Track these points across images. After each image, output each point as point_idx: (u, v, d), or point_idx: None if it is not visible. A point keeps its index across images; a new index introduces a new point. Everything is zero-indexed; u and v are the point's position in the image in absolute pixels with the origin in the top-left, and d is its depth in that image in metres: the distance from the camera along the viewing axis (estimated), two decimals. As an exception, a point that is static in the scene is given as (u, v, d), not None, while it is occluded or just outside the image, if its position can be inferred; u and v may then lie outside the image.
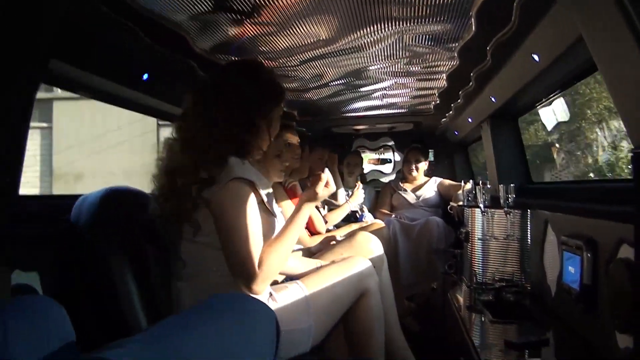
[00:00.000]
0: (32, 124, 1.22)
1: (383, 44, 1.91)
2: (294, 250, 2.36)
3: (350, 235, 2.35)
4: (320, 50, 1.98)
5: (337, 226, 3.48)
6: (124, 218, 1.59)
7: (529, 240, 2.24)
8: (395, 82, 2.61)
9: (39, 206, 1.76)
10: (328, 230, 3.24)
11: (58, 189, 10.26)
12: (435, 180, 4.07)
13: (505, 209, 2.23)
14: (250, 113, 1.57)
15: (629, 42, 0.89)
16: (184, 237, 1.52)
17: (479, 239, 2.36)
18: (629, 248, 1.24)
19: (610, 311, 1.33)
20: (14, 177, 1.22)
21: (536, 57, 1.78)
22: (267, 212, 1.61)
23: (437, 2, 1.51)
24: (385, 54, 2.05)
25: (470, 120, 3.26)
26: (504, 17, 1.57)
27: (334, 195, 3.80)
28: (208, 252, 1.51)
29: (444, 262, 2.93)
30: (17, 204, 1.30)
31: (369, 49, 1.98)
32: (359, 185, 3.64)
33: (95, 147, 10.28)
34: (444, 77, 2.44)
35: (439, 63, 2.20)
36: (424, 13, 1.60)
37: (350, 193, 3.76)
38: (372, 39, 1.85)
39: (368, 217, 3.64)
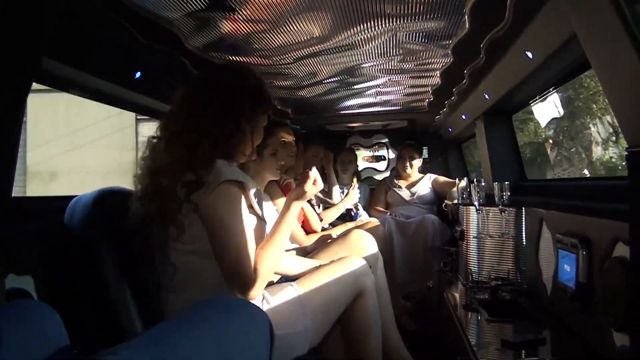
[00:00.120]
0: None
1: (376, 41, 1.90)
2: (288, 250, 2.36)
3: (345, 234, 2.34)
4: (313, 47, 1.96)
5: (333, 224, 3.48)
6: (118, 219, 1.56)
7: (524, 238, 2.23)
8: (389, 80, 2.60)
9: (32, 208, 1.74)
10: (324, 229, 3.23)
11: (32, 190, 9.56)
12: (429, 177, 4.07)
13: (500, 206, 2.22)
14: (236, 117, 1.54)
15: (622, 40, 0.88)
16: (170, 243, 1.48)
17: (474, 237, 2.36)
18: (624, 246, 1.24)
19: (606, 310, 1.33)
20: (6, 178, 1.21)
21: (530, 55, 1.77)
22: (255, 214, 1.59)
23: (430, -1, 1.50)
24: (379, 51, 2.04)
25: (464, 117, 3.25)
26: (497, 14, 1.56)
27: (328, 194, 3.80)
28: (197, 260, 1.47)
29: (440, 260, 2.93)
30: (9, 205, 1.28)
31: (363, 47, 1.97)
32: (355, 184, 3.63)
33: (71, 144, 9.79)
34: (438, 75, 2.43)
35: (432, 60, 2.19)
36: (417, 10, 1.59)
37: (344, 190, 3.75)
38: (365, 37, 1.84)
39: (363, 215, 3.64)
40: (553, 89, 2.28)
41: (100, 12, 1.46)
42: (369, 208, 4.02)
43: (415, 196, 3.98)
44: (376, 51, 2.04)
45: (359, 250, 2.16)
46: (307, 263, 1.97)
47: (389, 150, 4.91)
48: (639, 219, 1.03)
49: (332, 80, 2.54)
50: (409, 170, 4.05)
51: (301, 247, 2.53)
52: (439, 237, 3.42)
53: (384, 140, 4.90)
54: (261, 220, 1.62)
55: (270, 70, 2.26)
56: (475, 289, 2.22)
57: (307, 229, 3.04)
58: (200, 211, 1.43)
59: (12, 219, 1.37)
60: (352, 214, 3.64)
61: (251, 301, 1.46)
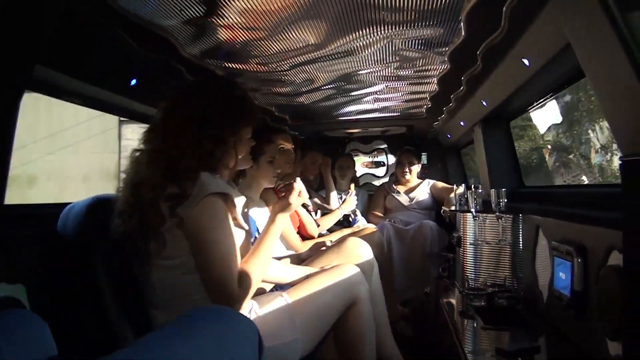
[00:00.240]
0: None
1: (373, 48, 1.90)
2: (283, 257, 2.35)
3: (340, 241, 2.33)
4: (310, 55, 1.96)
5: (330, 230, 3.47)
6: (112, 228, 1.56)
7: (521, 245, 2.23)
8: (387, 86, 2.59)
9: (24, 216, 1.73)
10: (320, 235, 3.23)
11: (10, 197, 8.61)
12: (428, 183, 4.08)
13: (497, 213, 2.22)
14: (219, 129, 1.53)
15: (616, 50, 0.88)
16: (151, 260, 1.45)
17: (470, 244, 2.36)
18: (619, 255, 1.23)
19: (600, 318, 1.32)
20: (-1, 186, 1.21)
21: (526, 62, 1.77)
22: (240, 227, 1.58)
23: (426, 7, 1.49)
24: (376, 58, 2.03)
25: (462, 123, 3.26)
26: (493, 22, 1.55)
27: (326, 199, 3.80)
28: (180, 276, 1.44)
29: (438, 266, 2.92)
30: (1, 214, 1.28)
31: (360, 54, 1.96)
32: (352, 191, 3.63)
33: (51, 146, 9.19)
34: (435, 81, 2.43)
35: (429, 67, 2.19)
36: (413, 17, 1.58)
37: (342, 196, 3.75)
38: (361, 44, 1.83)
39: (361, 221, 3.64)
40: (551, 96, 2.28)
41: (95, 20, 1.46)
42: (367, 213, 4.02)
43: (413, 202, 3.99)
44: (373, 58, 2.03)
45: (353, 257, 2.15)
46: (300, 271, 1.96)
47: (388, 156, 4.90)
48: (632, 227, 1.03)
49: (329, 86, 2.53)
50: (407, 176, 4.06)
51: (296, 254, 2.52)
52: (437, 243, 3.42)
53: (382, 146, 4.90)
54: (247, 232, 1.61)
55: (268, 77, 2.25)
56: (472, 296, 2.21)
57: (304, 235, 3.03)
58: (185, 225, 1.40)
59: (4, 227, 1.37)
60: (350, 219, 3.63)
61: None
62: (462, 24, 1.61)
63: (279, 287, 1.91)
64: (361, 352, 1.81)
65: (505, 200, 2.22)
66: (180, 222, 1.39)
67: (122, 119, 9.15)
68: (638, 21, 0.84)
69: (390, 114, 3.54)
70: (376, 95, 2.83)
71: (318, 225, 3.20)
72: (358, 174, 4.82)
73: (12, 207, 1.64)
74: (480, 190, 2.39)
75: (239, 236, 1.54)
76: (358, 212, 3.69)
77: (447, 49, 1.89)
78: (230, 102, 1.58)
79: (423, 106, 3.16)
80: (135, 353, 0.92)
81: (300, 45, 1.83)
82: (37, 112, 8.87)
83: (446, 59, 2.01)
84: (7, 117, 1.17)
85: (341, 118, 3.62)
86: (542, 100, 2.35)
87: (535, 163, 8.36)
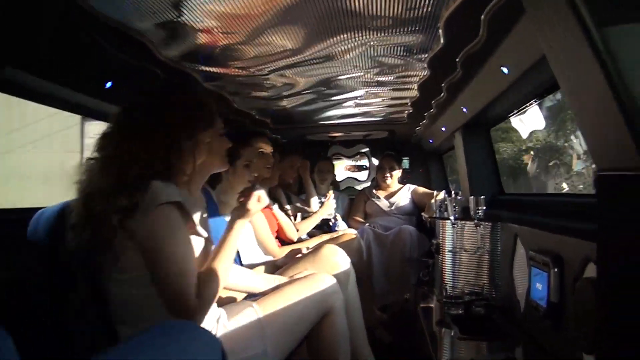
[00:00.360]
0: None
1: (352, 53, 1.88)
2: (258, 265, 2.32)
3: (316, 249, 2.31)
4: (289, 59, 1.94)
5: (310, 234, 3.45)
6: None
7: (499, 253, 2.22)
8: (367, 92, 2.58)
9: None
10: (300, 239, 3.20)
11: None
12: (409, 188, 4.08)
13: (476, 221, 2.21)
14: (173, 135, 1.45)
15: (590, 63, 0.86)
16: (108, 274, 1.39)
17: (449, 251, 2.34)
18: (595, 267, 1.22)
19: (576, 331, 1.31)
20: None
21: (505, 70, 1.76)
22: (198, 235, 1.50)
23: (404, 13, 1.49)
24: (355, 63, 2.02)
25: (443, 129, 3.26)
26: (472, 30, 1.55)
27: (306, 202, 3.78)
28: (138, 290, 1.37)
29: (418, 271, 2.91)
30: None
31: (339, 59, 1.95)
32: (331, 195, 3.60)
33: (7, 145, 8.69)
34: (416, 87, 2.43)
35: (409, 73, 2.18)
36: (391, 23, 1.57)
37: (322, 200, 3.74)
38: (341, 49, 1.82)
39: (341, 226, 3.62)
40: (531, 104, 2.28)
41: (69, 22, 1.42)
42: (347, 218, 4.01)
43: (394, 207, 3.98)
44: (352, 64, 2.02)
45: (329, 266, 2.12)
46: (273, 281, 1.93)
47: (371, 159, 4.90)
48: (606, 242, 1.02)
49: (310, 91, 2.51)
50: (388, 181, 4.05)
51: (271, 262, 2.49)
52: (416, 248, 3.41)
53: (365, 150, 4.90)
54: (206, 240, 1.54)
55: (247, 81, 2.22)
56: (449, 304, 2.20)
57: (283, 239, 3.01)
58: (137, 238, 1.33)
59: None
60: (330, 224, 3.61)
61: (206, 323, 1.41)
62: (440, 31, 1.61)
63: (251, 296, 1.87)
64: None
65: (484, 207, 2.21)
66: (132, 235, 1.33)
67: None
68: (614, 35, 0.83)
69: (372, 119, 3.54)
70: (357, 100, 2.81)
71: (297, 230, 3.17)
72: (339, 178, 4.81)
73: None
74: (459, 197, 2.38)
75: (197, 244, 1.47)
76: (339, 217, 3.68)
77: (426, 55, 1.89)
78: (186, 105, 1.51)
79: (404, 111, 3.15)
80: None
81: (279, 50, 1.81)
82: (-5, 108, 8.37)
83: (426, 65, 2.01)
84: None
85: (323, 122, 3.61)
86: (522, 107, 2.34)
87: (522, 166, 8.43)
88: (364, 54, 1.89)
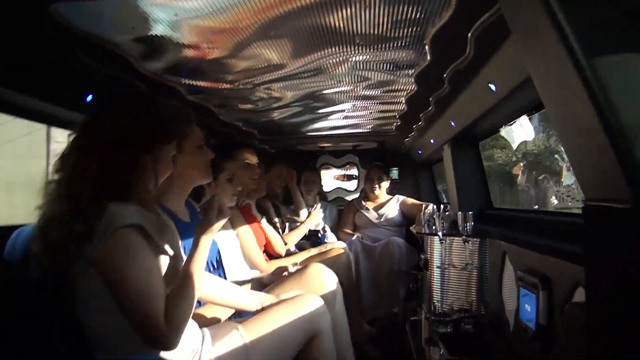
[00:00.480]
0: None
1: (340, 68, 1.88)
2: (244, 283, 2.27)
3: (303, 268, 2.26)
4: (275, 73, 1.92)
5: (299, 247, 3.41)
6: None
7: (488, 270, 2.19)
8: (355, 105, 2.57)
9: None
10: (289, 252, 3.16)
11: None
12: (397, 199, 4.05)
13: (464, 237, 2.19)
14: (130, 152, 1.37)
15: (579, 93, 0.84)
16: (78, 301, 1.32)
17: (437, 267, 2.31)
18: (584, 291, 1.20)
19: (565, 355, 1.28)
20: None
21: (493, 87, 1.74)
22: (164, 254, 1.41)
23: (390, 31, 1.48)
24: (343, 78, 2.01)
25: (432, 141, 3.24)
26: (458, 47, 1.54)
27: (295, 212, 3.75)
28: (106, 319, 1.31)
29: (406, 284, 2.88)
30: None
31: (326, 74, 1.94)
32: (317, 205, 3.57)
33: None
34: (404, 101, 2.41)
35: (397, 87, 2.17)
36: (378, 40, 1.57)
37: (309, 211, 3.70)
38: (328, 64, 1.81)
39: (330, 238, 3.58)
40: (528, 115, 2.26)
41: (49, 36, 1.40)
42: (337, 230, 3.97)
43: (382, 218, 3.95)
44: (340, 78, 2.01)
45: (317, 285, 2.09)
46: (262, 299, 1.89)
47: (360, 170, 4.87)
48: (594, 270, 0.99)
49: (297, 104, 2.50)
50: (377, 192, 4.03)
51: (257, 279, 2.44)
52: (405, 260, 3.38)
53: (354, 160, 4.87)
54: (174, 258, 1.45)
55: (232, 94, 2.20)
56: (437, 322, 2.16)
57: (271, 253, 2.96)
58: (96, 266, 1.26)
59: None
60: (319, 236, 3.58)
61: (189, 345, 1.37)
62: (426, 47, 1.59)
63: (238, 315, 1.83)
64: None
65: (473, 222, 2.18)
66: (91, 263, 1.26)
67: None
68: (601, 64, 0.80)
69: (361, 130, 3.52)
70: (345, 113, 2.80)
71: (285, 243, 3.13)
72: (328, 188, 4.78)
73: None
74: (447, 212, 2.35)
75: (165, 265, 1.40)
76: (327, 229, 3.64)
77: (413, 71, 1.88)
78: (144, 119, 1.42)
79: (393, 124, 3.14)
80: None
81: (265, 64, 1.81)
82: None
83: (413, 80, 2.00)
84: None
85: (311, 133, 3.59)
86: (511, 122, 2.32)
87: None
88: (352, 68, 1.88)
